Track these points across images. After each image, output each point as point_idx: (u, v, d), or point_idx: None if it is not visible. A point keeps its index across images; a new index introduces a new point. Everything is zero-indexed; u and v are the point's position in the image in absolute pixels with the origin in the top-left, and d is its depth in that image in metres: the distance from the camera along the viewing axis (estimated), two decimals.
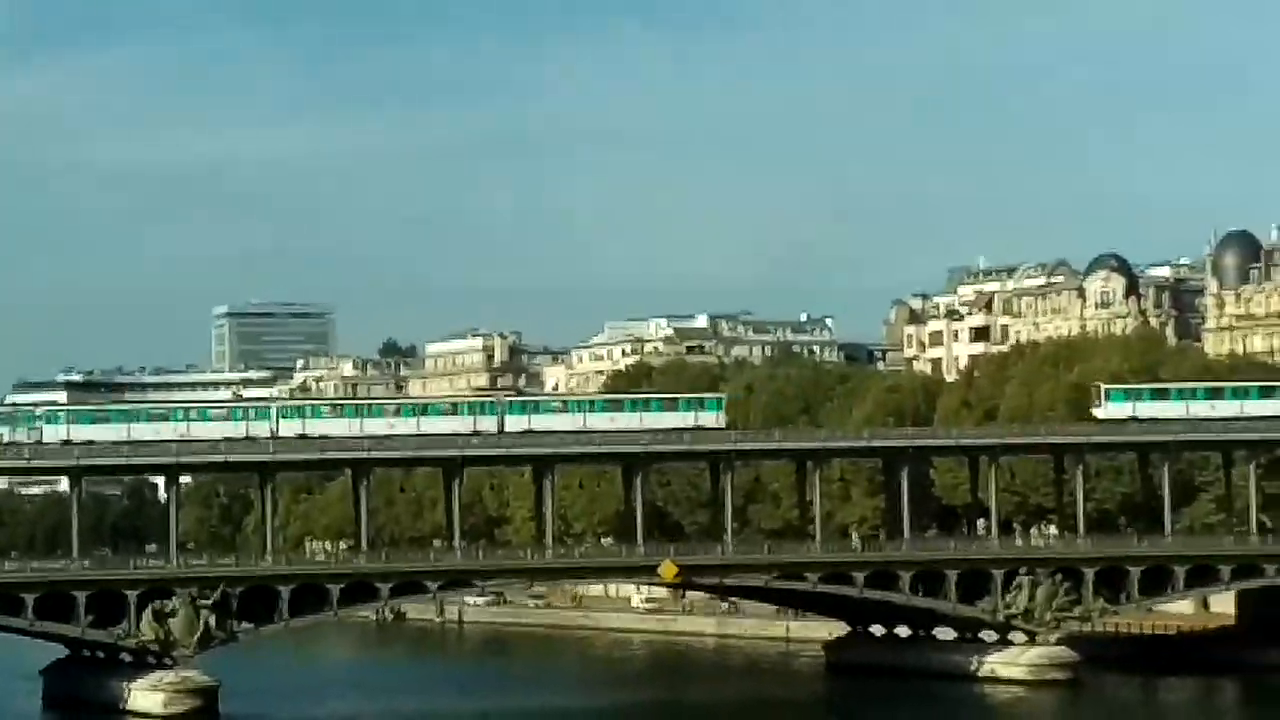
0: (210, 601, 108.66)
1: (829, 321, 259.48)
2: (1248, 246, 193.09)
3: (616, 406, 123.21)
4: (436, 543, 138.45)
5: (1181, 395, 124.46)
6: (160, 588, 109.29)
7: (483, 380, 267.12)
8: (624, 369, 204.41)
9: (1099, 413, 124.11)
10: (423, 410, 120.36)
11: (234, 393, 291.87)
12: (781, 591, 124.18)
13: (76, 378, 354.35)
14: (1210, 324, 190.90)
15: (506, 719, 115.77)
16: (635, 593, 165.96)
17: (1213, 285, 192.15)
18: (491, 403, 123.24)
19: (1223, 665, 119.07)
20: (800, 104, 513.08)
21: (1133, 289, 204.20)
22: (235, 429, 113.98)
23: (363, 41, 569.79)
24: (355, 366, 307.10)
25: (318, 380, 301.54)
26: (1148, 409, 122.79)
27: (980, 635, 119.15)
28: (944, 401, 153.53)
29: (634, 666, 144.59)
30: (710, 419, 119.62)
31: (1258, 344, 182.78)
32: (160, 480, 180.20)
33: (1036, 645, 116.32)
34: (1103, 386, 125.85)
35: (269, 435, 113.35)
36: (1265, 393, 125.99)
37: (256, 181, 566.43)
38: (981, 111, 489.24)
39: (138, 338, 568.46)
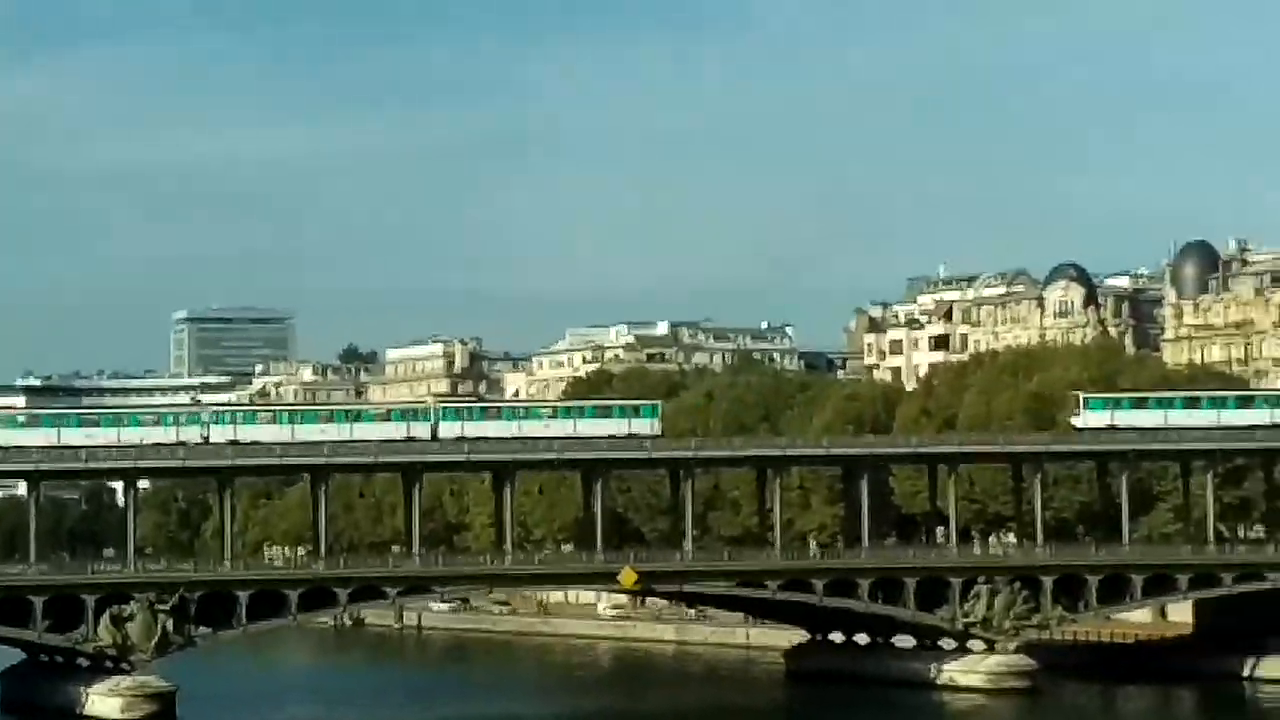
0: (168, 606, 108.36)
1: (789, 330, 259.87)
2: (1206, 257, 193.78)
3: (551, 413, 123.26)
4: (396, 549, 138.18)
5: (1160, 404, 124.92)
6: (118, 592, 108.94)
7: (443, 386, 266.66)
8: (584, 376, 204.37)
9: (1077, 421, 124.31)
10: (356, 417, 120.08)
11: (193, 398, 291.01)
12: (741, 598, 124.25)
13: (35, 382, 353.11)
14: (1169, 334, 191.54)
15: None
16: (602, 599, 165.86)
17: (1171, 295, 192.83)
18: (426, 409, 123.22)
19: (1180, 674, 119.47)
20: (758, 114, 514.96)
21: (1092, 299, 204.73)
22: (165, 434, 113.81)
23: (319, 42, 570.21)
24: (315, 372, 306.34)
25: (277, 386, 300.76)
26: (1127, 418, 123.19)
27: (939, 643, 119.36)
28: (903, 410, 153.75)
29: (592, 673, 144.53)
30: (645, 426, 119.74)
31: (1215, 354, 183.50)
32: (119, 485, 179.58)
33: (995, 653, 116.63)
34: (1081, 395, 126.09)
35: (201, 441, 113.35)
36: (1242, 402, 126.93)
37: (218, 186, 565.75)
38: (942, 123, 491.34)
39: (97, 342, 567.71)
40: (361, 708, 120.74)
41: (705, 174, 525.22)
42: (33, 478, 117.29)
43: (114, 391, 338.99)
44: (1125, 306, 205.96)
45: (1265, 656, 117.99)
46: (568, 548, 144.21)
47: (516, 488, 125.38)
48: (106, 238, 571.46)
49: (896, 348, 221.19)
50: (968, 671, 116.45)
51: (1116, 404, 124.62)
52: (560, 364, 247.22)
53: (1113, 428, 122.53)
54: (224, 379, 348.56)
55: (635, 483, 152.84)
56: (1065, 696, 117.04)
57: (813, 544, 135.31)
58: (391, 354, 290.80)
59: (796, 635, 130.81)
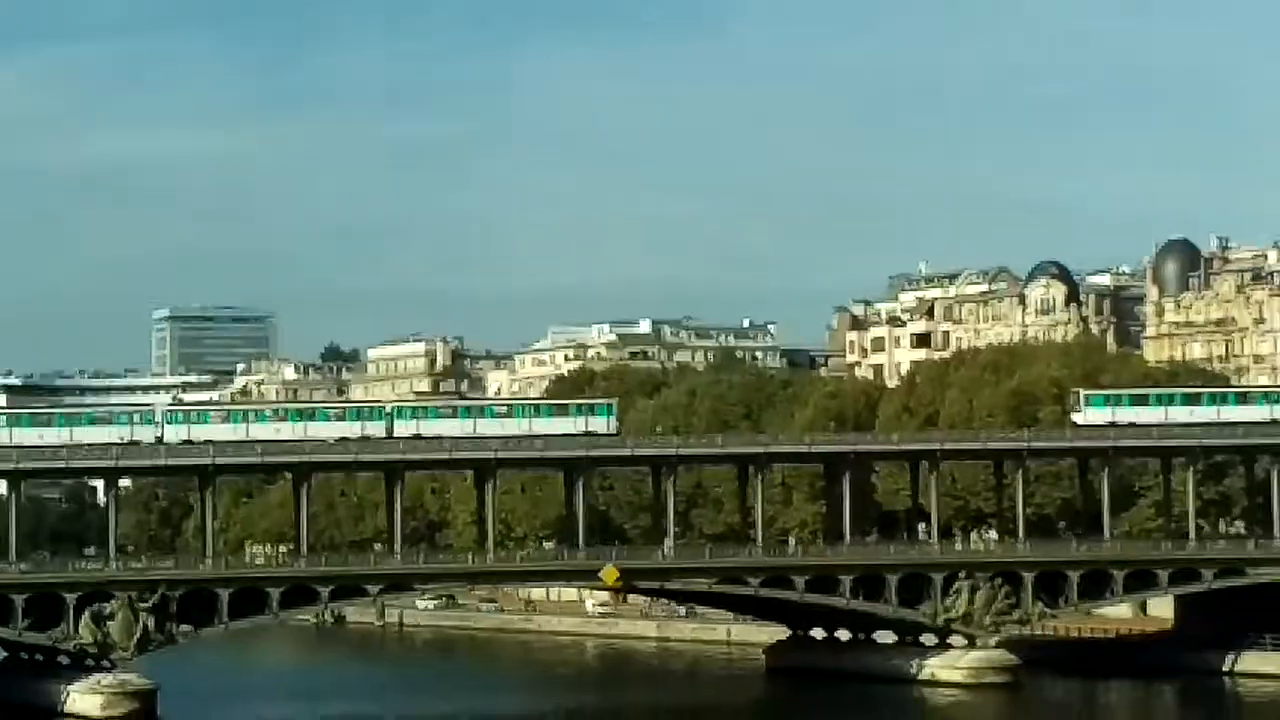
0: (149, 604, 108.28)
1: (771, 327, 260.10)
2: (1188, 255, 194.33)
3: (506, 412, 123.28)
4: (378, 546, 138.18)
5: (1160, 401, 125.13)
6: (99, 590, 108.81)
7: (424, 385, 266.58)
8: (566, 374, 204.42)
9: (1078, 418, 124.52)
10: (310, 415, 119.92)
11: (174, 397, 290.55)
12: (723, 595, 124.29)
13: (15, 381, 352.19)
14: (1150, 331, 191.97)
15: None
16: (588, 596, 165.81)
17: (1153, 293, 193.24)
18: (380, 407, 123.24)
19: (1161, 669, 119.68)
20: (744, 109, 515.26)
21: (1073, 296, 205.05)
22: (125, 434, 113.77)
23: (301, 37, 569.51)
24: (297, 371, 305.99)
25: (259, 384, 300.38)
26: (1127, 414, 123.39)
27: (920, 639, 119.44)
28: (885, 407, 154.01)
29: (573, 670, 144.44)
30: (600, 424, 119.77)
31: (1197, 351, 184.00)
32: (99, 484, 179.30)
33: (976, 649, 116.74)
34: (1082, 392, 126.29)
35: (156, 440, 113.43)
36: (1241, 398, 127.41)
37: (198, 183, 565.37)
38: (924, 119, 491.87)
39: (77, 341, 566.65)
40: (343, 705, 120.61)
41: (688, 172, 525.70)
42: (13, 477, 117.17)
43: (95, 390, 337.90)
44: (1107, 304, 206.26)
45: (1245, 651, 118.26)
46: (549, 545, 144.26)
47: (498, 486, 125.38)
48: (87, 236, 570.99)
49: (878, 345, 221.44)
50: (949, 667, 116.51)
51: (1117, 401, 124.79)
52: (543, 362, 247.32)
53: (1113, 424, 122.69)
54: (205, 378, 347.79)
55: (617, 480, 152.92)
56: (1046, 692, 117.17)
57: (792, 541, 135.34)
58: (373, 353, 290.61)
59: (778, 632, 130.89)
